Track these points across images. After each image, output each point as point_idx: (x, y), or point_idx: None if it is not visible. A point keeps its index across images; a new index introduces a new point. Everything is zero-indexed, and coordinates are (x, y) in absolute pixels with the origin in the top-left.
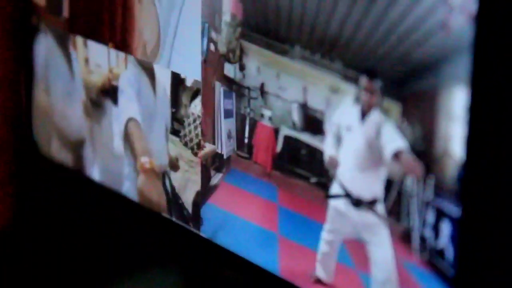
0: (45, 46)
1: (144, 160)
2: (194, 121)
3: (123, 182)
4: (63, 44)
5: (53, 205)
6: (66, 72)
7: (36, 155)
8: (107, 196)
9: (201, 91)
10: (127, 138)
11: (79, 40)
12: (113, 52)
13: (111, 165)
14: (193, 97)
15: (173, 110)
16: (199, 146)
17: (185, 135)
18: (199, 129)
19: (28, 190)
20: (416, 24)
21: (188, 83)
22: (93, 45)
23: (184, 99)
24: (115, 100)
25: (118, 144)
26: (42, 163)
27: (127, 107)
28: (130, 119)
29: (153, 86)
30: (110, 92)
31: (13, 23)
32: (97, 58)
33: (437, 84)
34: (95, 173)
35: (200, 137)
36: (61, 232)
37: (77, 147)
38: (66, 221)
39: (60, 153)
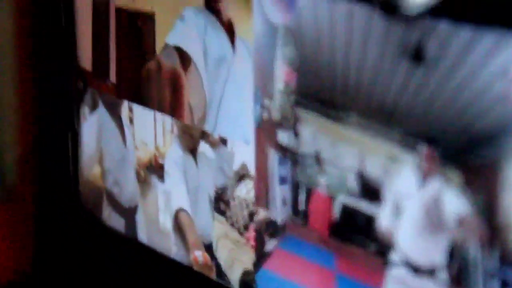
0: (96, 111)
1: (197, 254)
2: (240, 203)
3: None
4: (115, 109)
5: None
6: (118, 137)
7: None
8: (154, 258)
9: (248, 173)
10: (177, 228)
11: (124, 117)
12: (160, 130)
13: (157, 237)
14: (239, 180)
15: (220, 191)
16: (246, 228)
17: (231, 216)
18: (245, 212)
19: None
20: (476, 95)
21: (236, 166)
22: (139, 123)
23: (231, 181)
24: (161, 177)
25: (163, 220)
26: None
27: (175, 194)
28: (180, 210)
29: (197, 165)
30: (156, 169)
31: (58, 86)
32: (143, 136)
33: (499, 154)
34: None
35: (247, 221)
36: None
37: (130, 212)
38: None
39: (111, 219)
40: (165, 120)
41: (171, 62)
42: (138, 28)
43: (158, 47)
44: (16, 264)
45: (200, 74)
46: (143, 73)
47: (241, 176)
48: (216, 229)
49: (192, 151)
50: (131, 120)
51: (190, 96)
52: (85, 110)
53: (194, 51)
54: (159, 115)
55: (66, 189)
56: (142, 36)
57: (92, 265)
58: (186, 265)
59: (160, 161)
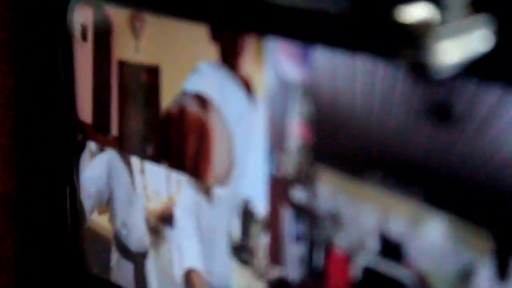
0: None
1: None
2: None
3: None
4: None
5: None
6: (127, 181)
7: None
8: None
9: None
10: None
11: (135, 165)
12: (174, 179)
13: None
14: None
15: (242, 240)
16: None
17: (256, 265)
18: None
19: None
20: (508, 156)
21: (260, 214)
22: (151, 171)
23: (254, 230)
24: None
25: (178, 273)
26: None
27: (186, 250)
28: (191, 271)
29: (213, 206)
30: (169, 220)
31: (56, 140)
32: (155, 185)
33: None
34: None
35: None
36: None
37: (139, 258)
38: None
39: (119, 268)
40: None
41: (194, 109)
42: (142, 82)
43: (164, 101)
44: None
45: (226, 127)
46: (161, 119)
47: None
48: (238, 281)
49: (207, 190)
50: (142, 170)
51: (215, 151)
52: (86, 158)
53: (216, 101)
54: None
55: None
56: (146, 90)
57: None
58: None
59: (173, 211)
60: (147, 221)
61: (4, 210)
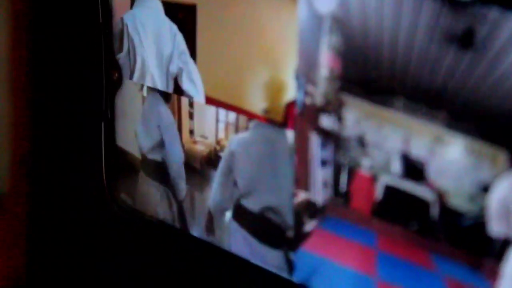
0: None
1: None
2: None
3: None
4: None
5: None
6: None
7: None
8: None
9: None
10: None
11: (184, 111)
12: (222, 125)
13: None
14: None
15: None
16: None
17: None
18: None
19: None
20: None
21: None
22: (200, 118)
23: None
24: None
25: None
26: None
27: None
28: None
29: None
30: (215, 162)
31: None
32: (203, 130)
33: None
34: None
35: None
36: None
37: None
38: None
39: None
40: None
41: None
42: (179, 20)
43: (200, 39)
44: (8, 272)
45: None
46: None
47: None
48: None
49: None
50: (191, 115)
51: None
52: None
53: None
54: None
55: (59, 196)
56: (183, 28)
57: (87, 271)
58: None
59: (220, 154)
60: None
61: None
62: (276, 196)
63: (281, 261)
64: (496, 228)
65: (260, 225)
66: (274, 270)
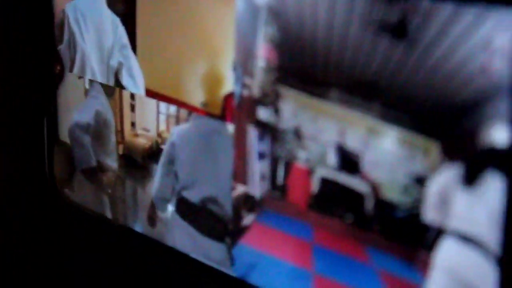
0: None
1: None
2: None
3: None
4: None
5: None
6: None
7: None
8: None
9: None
10: None
11: (126, 104)
12: (163, 117)
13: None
14: None
15: None
16: None
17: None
18: None
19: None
20: (458, 68)
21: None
22: (141, 110)
23: None
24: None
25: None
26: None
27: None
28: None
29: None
30: (157, 155)
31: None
32: (145, 123)
33: (478, 123)
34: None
35: None
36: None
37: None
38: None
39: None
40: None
41: None
42: (119, 12)
43: (139, 30)
44: None
45: None
46: None
47: None
48: None
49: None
50: (132, 108)
51: None
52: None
53: None
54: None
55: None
56: (122, 20)
57: (29, 264)
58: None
59: (163, 147)
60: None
61: None
62: (216, 187)
63: (224, 255)
64: (431, 217)
65: (202, 217)
66: (215, 265)
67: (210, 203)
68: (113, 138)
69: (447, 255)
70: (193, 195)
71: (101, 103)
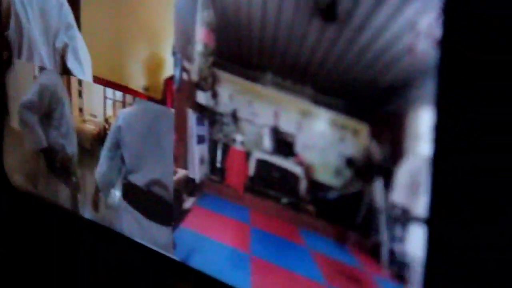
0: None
1: None
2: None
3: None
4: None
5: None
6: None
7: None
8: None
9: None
10: None
11: (74, 90)
12: (110, 102)
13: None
14: None
15: None
16: None
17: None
18: None
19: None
20: (385, 49)
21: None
22: (88, 95)
23: None
24: None
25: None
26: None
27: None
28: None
29: None
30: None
31: None
32: (92, 108)
33: (404, 105)
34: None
35: None
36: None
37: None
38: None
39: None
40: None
41: None
42: None
43: (83, 15)
44: None
45: None
46: None
47: None
48: None
49: None
50: (80, 93)
51: None
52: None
53: None
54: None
55: None
56: None
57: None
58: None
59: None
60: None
61: None
62: (160, 170)
63: (170, 238)
64: (398, 198)
65: (147, 201)
66: (160, 250)
67: (156, 186)
68: (68, 116)
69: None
70: (139, 179)
71: (48, 77)
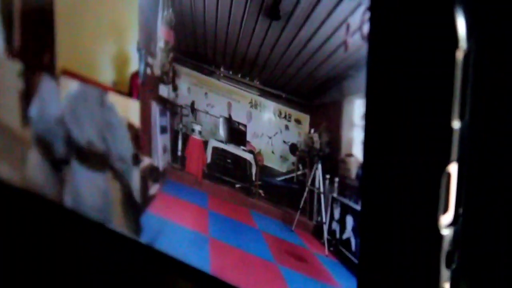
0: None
1: None
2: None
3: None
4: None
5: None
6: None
7: None
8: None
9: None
10: None
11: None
12: None
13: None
14: None
15: None
16: None
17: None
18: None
19: None
20: (322, 44)
21: None
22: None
23: None
24: None
25: None
26: None
27: None
28: None
29: None
30: None
31: None
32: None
33: (340, 95)
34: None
35: None
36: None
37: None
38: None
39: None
40: None
41: None
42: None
43: (57, 13)
44: None
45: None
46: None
47: None
48: None
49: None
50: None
51: None
52: None
53: None
54: None
55: None
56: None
57: None
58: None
59: None
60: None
61: None
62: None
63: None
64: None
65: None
66: (128, 234)
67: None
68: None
69: None
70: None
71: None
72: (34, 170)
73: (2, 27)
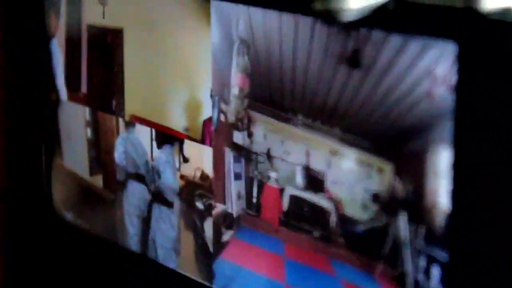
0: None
1: None
2: None
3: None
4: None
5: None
6: None
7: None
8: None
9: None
10: None
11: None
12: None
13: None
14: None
15: None
16: None
17: None
18: None
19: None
20: (405, 94)
21: None
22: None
23: None
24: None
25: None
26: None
27: None
28: None
29: None
30: None
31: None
32: None
33: (425, 145)
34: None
35: None
36: None
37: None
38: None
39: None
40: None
41: None
42: (108, 44)
43: (127, 60)
44: None
45: None
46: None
47: None
48: None
49: None
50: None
51: None
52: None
53: None
54: None
55: (36, 197)
56: (111, 51)
57: (62, 270)
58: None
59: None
60: None
61: None
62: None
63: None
64: None
65: None
66: (199, 279)
67: None
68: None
69: None
70: None
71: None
72: (119, 220)
73: (69, 72)
